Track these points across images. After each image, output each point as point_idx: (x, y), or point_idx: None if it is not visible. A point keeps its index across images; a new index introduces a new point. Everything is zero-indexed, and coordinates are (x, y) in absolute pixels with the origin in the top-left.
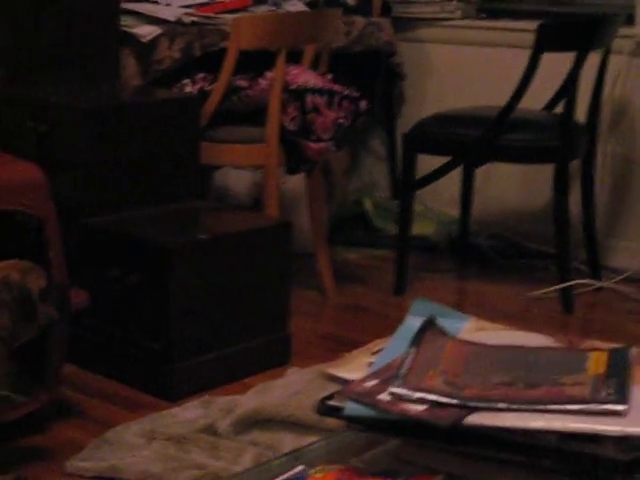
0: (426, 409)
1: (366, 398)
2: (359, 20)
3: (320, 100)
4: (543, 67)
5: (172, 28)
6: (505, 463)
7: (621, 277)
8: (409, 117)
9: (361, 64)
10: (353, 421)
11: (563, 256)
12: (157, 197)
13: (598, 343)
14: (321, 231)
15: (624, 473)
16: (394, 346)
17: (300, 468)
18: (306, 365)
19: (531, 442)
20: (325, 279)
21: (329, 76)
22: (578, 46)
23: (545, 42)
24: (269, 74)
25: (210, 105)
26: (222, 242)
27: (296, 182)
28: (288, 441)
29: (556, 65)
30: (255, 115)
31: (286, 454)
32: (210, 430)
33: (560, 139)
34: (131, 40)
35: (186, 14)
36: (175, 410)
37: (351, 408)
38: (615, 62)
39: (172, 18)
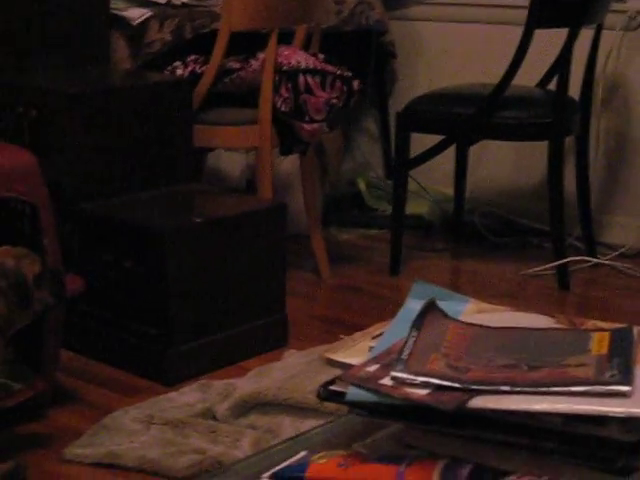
0: (429, 393)
1: (368, 383)
2: None
3: (312, 81)
4: (536, 43)
5: (162, 10)
6: (509, 446)
7: (617, 253)
8: (402, 96)
9: (352, 43)
10: (355, 406)
11: (558, 233)
12: (150, 181)
13: (600, 323)
14: (315, 212)
15: (629, 454)
16: (395, 330)
17: (303, 454)
18: (303, 347)
19: (535, 424)
20: (320, 260)
21: (321, 56)
22: (570, 22)
23: (538, 18)
24: (261, 55)
25: (202, 87)
26: (217, 225)
27: (289, 163)
28: (287, 424)
29: (549, 41)
30: (247, 97)
31: (288, 439)
32: (208, 414)
33: (554, 116)
34: (121, 23)
35: None
36: (173, 395)
37: (353, 393)
38: (608, 38)
39: (162, 0)
